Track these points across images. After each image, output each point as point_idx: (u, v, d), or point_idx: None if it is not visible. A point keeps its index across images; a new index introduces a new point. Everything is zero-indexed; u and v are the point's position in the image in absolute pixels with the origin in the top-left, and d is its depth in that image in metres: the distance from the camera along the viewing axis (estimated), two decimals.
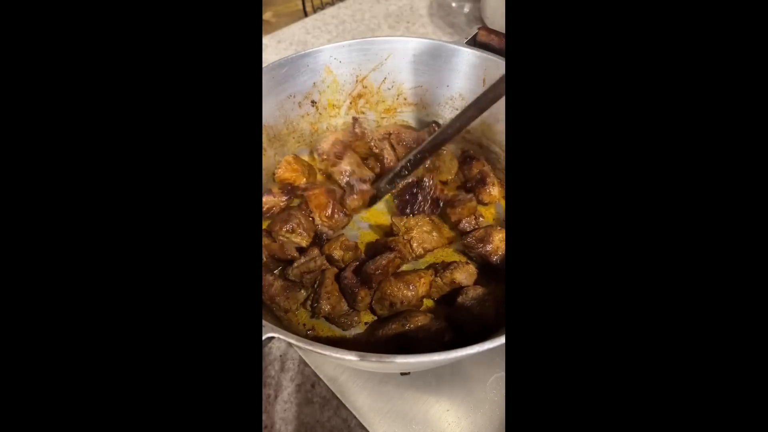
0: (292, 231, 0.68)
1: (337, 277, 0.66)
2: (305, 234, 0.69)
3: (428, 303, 0.67)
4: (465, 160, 0.80)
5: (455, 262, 0.68)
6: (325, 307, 0.63)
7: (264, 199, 0.74)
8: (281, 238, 0.68)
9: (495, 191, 0.76)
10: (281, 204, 0.74)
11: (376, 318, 0.66)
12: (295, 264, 0.66)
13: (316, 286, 0.66)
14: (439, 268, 0.68)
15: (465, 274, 0.65)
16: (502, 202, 0.79)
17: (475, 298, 0.62)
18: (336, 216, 0.71)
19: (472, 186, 0.78)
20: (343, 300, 0.64)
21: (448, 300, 0.66)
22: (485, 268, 0.69)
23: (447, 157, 0.80)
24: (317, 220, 0.71)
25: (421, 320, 0.60)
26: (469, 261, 0.70)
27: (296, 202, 0.77)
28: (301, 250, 0.69)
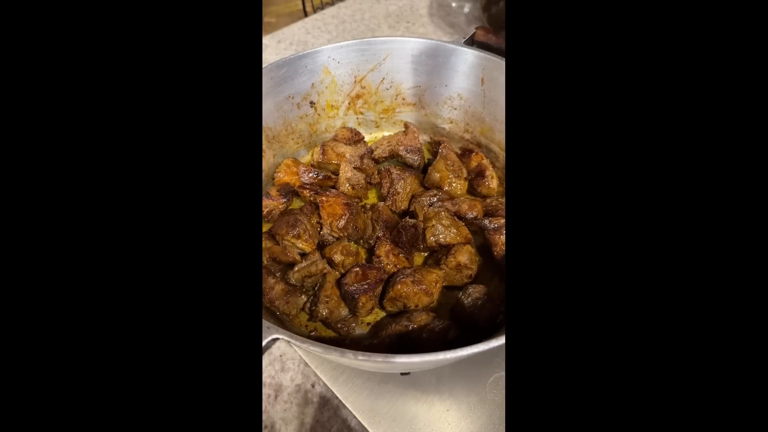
0: (298, 237, 0.67)
1: (338, 283, 0.65)
2: (310, 240, 0.68)
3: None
4: (464, 153, 0.80)
5: (453, 245, 0.68)
6: (323, 311, 0.62)
7: (264, 203, 0.73)
8: (286, 242, 0.68)
9: (494, 184, 0.76)
10: (280, 207, 0.74)
11: (378, 319, 0.65)
12: (296, 268, 0.65)
13: (316, 289, 0.65)
14: (441, 256, 0.68)
15: (467, 255, 0.66)
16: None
17: (471, 295, 0.62)
18: (350, 230, 0.70)
19: (471, 178, 0.78)
20: (342, 305, 0.64)
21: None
22: (485, 251, 0.70)
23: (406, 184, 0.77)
24: (325, 229, 0.70)
25: (423, 319, 0.60)
26: (466, 242, 0.70)
27: (297, 204, 0.77)
28: (303, 254, 0.68)
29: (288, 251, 0.67)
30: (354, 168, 0.77)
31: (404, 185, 0.75)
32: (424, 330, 0.59)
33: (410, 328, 0.59)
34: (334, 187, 0.78)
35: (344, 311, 0.64)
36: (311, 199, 0.74)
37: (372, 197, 0.81)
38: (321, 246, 0.70)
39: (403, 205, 0.75)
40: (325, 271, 0.66)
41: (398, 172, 0.77)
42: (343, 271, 0.67)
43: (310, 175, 0.77)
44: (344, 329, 0.63)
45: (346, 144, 0.81)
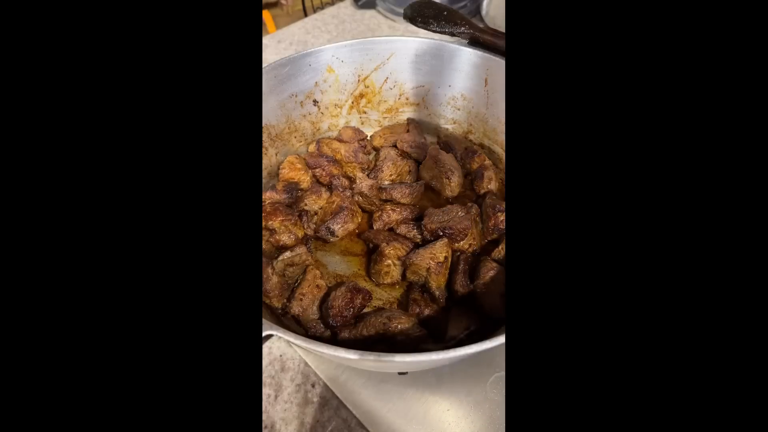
0: (286, 229, 0.70)
1: (323, 301, 0.64)
2: (295, 227, 0.71)
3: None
4: (467, 153, 0.81)
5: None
6: (296, 309, 0.62)
7: (268, 194, 0.75)
8: (276, 226, 0.70)
9: (492, 185, 0.76)
10: (283, 201, 0.75)
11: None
12: (281, 257, 0.66)
13: (295, 284, 0.66)
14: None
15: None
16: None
17: (483, 279, 0.63)
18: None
19: (472, 178, 0.79)
20: (314, 309, 0.63)
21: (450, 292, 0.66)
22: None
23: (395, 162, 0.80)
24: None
25: (404, 322, 0.59)
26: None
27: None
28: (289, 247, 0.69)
29: (278, 236, 0.69)
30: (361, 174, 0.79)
31: (391, 166, 0.78)
32: (402, 333, 0.58)
33: (389, 328, 0.59)
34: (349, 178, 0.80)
35: (315, 313, 0.63)
36: (323, 181, 0.78)
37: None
38: (306, 240, 0.72)
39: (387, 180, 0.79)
40: (307, 262, 0.67)
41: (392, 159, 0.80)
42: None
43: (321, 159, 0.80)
44: (313, 330, 0.62)
45: (346, 142, 0.82)
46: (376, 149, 0.85)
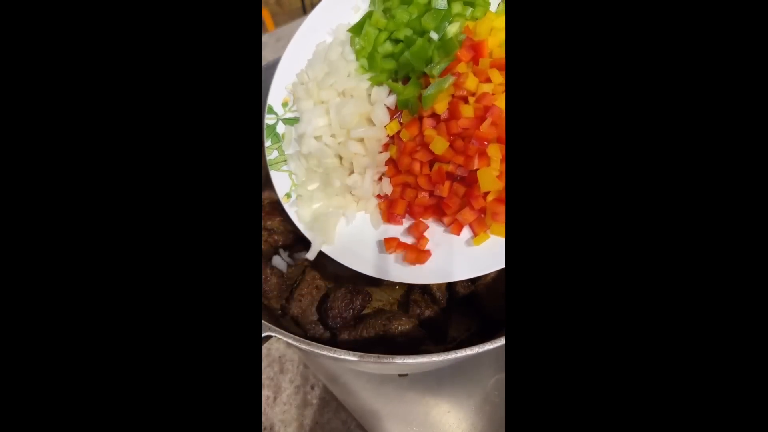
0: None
1: (321, 303, 0.64)
2: (291, 236, 0.70)
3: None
4: None
5: None
6: (295, 310, 0.62)
7: (266, 193, 0.74)
8: (271, 225, 0.70)
9: None
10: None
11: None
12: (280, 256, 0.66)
13: (294, 285, 0.66)
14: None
15: None
16: None
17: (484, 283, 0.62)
18: None
19: None
20: (313, 310, 0.63)
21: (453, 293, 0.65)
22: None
23: None
24: None
25: (405, 324, 0.59)
26: None
27: None
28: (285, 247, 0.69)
29: (276, 236, 0.69)
30: None
31: None
32: (402, 335, 0.58)
33: (389, 329, 0.58)
34: None
35: (313, 315, 0.63)
36: None
37: None
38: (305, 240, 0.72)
39: None
40: (306, 264, 0.66)
41: None
42: None
43: None
44: (310, 330, 0.62)
45: None
46: None
